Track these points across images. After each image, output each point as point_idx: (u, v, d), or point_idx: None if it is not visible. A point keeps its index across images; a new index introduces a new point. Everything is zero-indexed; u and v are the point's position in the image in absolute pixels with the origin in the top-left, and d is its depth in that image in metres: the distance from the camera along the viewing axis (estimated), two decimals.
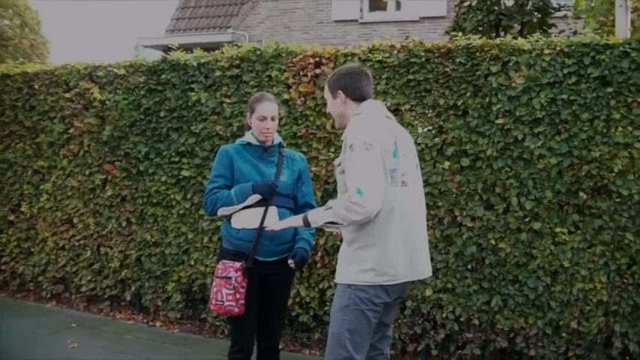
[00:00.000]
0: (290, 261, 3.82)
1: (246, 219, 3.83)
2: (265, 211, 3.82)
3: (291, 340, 5.60)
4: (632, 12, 6.58)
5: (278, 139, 4.06)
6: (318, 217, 3.25)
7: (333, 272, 5.28)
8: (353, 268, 3.19)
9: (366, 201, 3.00)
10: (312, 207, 3.95)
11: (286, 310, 4.29)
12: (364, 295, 3.15)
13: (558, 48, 4.62)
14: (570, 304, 4.61)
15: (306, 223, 3.31)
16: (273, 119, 3.93)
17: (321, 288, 5.37)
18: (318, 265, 5.34)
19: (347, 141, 3.16)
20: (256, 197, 3.79)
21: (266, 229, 3.71)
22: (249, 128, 4.01)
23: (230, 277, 3.78)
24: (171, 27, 17.23)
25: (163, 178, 6.10)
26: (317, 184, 5.31)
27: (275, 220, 3.76)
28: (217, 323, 5.84)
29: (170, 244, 6.10)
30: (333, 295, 5.20)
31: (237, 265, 3.80)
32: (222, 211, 3.86)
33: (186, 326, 6.12)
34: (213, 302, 3.84)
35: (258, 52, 5.67)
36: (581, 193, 4.58)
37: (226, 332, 5.79)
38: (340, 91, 3.34)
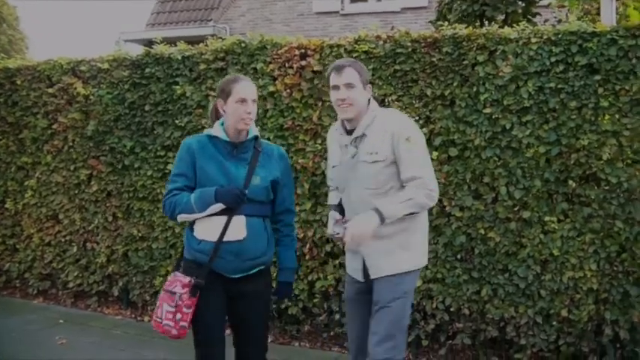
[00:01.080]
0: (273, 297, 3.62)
1: (207, 228, 3.27)
2: (228, 222, 3.24)
3: (281, 332, 5.58)
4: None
5: (254, 131, 3.43)
6: (395, 210, 3.18)
7: (322, 264, 5.35)
8: (408, 255, 3.36)
9: (436, 188, 3.28)
10: (291, 214, 3.60)
11: (265, 334, 3.59)
12: (416, 278, 3.52)
13: (545, 36, 4.61)
14: (560, 293, 4.62)
15: (382, 220, 3.15)
16: (254, 102, 3.35)
17: (310, 280, 5.35)
18: (307, 257, 5.32)
19: (400, 133, 3.26)
20: (219, 207, 3.21)
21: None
22: (217, 118, 3.45)
23: (174, 293, 3.24)
24: (151, 21, 17.12)
25: (149, 172, 6.05)
26: (304, 176, 5.29)
27: (240, 232, 3.26)
28: None
29: (157, 239, 6.05)
30: (322, 287, 5.27)
31: (186, 280, 3.25)
32: (181, 218, 3.31)
33: None
34: (154, 317, 3.35)
35: (243, 45, 5.62)
36: (570, 182, 4.58)
37: None
38: (369, 85, 3.44)
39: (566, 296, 4.61)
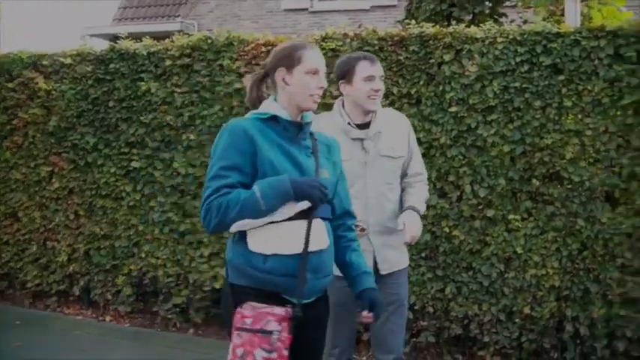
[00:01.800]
0: (367, 314, 2.67)
1: (277, 238, 2.44)
2: (309, 227, 2.47)
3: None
4: (581, 1, 6.66)
5: (311, 115, 2.69)
6: (423, 207, 3.43)
7: None
8: (406, 250, 3.48)
9: None
10: (352, 217, 2.87)
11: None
12: None
13: (511, 36, 4.63)
14: (523, 290, 4.65)
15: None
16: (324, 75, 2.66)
17: None
18: None
19: (411, 129, 3.48)
20: (302, 205, 2.44)
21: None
22: (258, 100, 2.65)
23: (270, 332, 2.36)
24: (118, 16, 16.91)
25: (112, 170, 5.95)
26: None
27: (322, 240, 2.53)
28: (169, 316, 5.74)
29: (120, 237, 5.96)
30: None
31: (281, 312, 2.39)
32: (238, 225, 2.42)
33: (137, 320, 5.99)
34: None
35: (209, 41, 5.56)
36: (534, 180, 4.62)
37: (178, 325, 5.70)
38: None
39: (529, 294, 4.64)
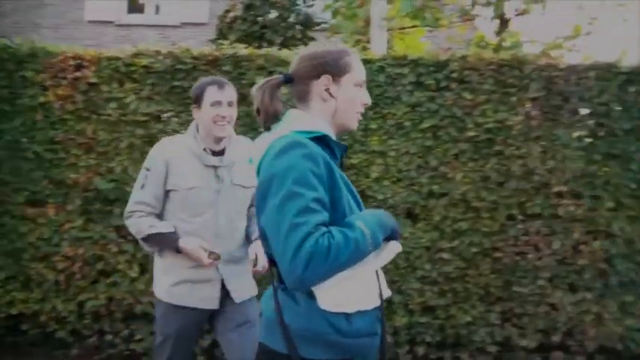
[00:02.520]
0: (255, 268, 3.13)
1: (359, 289, 1.95)
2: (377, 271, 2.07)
3: (46, 359, 5.23)
4: (387, 31, 7.10)
5: None
6: None
7: (93, 283, 5.09)
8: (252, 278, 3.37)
9: None
10: None
11: None
12: None
13: None
14: None
15: None
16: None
17: (81, 300, 5.07)
18: (77, 276, 5.04)
19: None
20: (398, 246, 2.02)
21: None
22: (276, 114, 2.09)
23: None
24: None
25: None
26: (76, 192, 5.02)
27: (384, 284, 2.11)
28: None
29: None
30: (93, 307, 5.02)
31: None
32: (334, 281, 1.86)
33: None
34: None
35: (10, 50, 5.22)
36: None
37: None
38: None
39: None
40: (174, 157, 3.20)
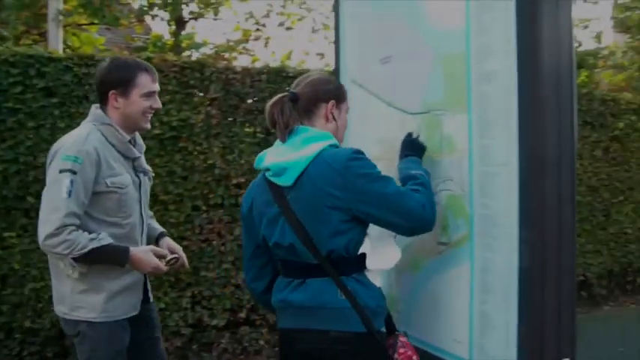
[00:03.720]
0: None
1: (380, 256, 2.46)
2: None
3: None
4: (63, 27, 7.03)
5: None
6: None
7: None
8: None
9: None
10: None
11: None
12: None
13: (3, 57, 4.74)
14: (23, 305, 4.78)
15: None
16: None
17: None
18: None
19: None
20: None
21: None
22: (287, 126, 2.40)
23: None
24: None
25: None
26: None
27: None
28: None
29: None
30: None
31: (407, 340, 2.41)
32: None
33: None
34: None
35: None
36: (29, 197, 4.79)
37: None
38: None
39: (29, 307, 4.79)
40: (104, 153, 2.72)
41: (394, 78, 2.82)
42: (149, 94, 2.81)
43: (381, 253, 2.37)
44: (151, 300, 3.01)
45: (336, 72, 3.38)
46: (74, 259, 2.62)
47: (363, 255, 2.29)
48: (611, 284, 7.64)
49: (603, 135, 7.42)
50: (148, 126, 2.89)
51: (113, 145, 2.76)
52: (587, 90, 7.88)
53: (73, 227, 2.59)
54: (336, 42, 3.38)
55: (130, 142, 2.82)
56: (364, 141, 3.05)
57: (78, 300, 2.74)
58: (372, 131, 3.03)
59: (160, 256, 2.79)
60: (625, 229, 7.64)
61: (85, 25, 8.44)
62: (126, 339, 2.80)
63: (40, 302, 4.80)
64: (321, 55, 10.14)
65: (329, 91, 2.43)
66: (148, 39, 8.89)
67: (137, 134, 2.93)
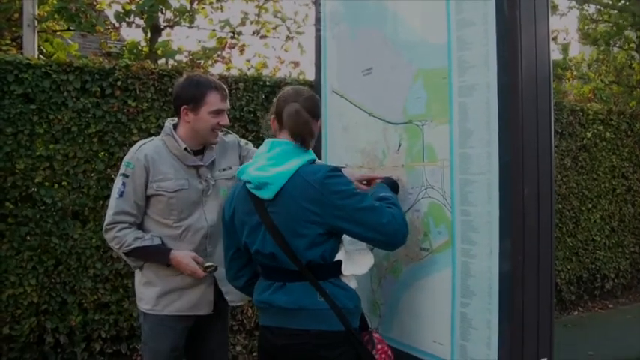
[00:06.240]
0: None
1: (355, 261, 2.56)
2: None
3: None
4: (38, 32, 7.01)
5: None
6: None
7: None
8: None
9: None
10: None
11: None
12: None
13: None
14: (2, 311, 4.77)
15: None
16: None
17: None
18: None
19: (240, 141, 3.33)
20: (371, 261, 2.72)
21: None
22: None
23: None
24: None
25: None
26: None
27: None
28: None
29: None
30: None
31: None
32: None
33: None
34: None
35: None
36: (8, 203, 4.79)
37: None
38: None
39: (7, 313, 4.78)
40: (154, 160, 2.98)
41: (375, 89, 2.91)
42: (217, 112, 2.99)
43: (356, 259, 2.48)
44: (231, 303, 3.13)
45: (316, 82, 3.46)
46: (125, 254, 2.96)
47: (339, 261, 2.41)
48: (580, 290, 7.81)
49: (572, 144, 7.60)
50: (217, 140, 3.07)
51: (174, 154, 3.01)
52: (556, 100, 8.05)
53: (125, 225, 2.94)
54: (317, 51, 3.46)
55: (187, 150, 3.01)
56: (346, 150, 3.14)
57: (139, 291, 3.09)
58: (353, 141, 3.11)
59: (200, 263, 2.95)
60: (593, 236, 7.83)
61: (60, 31, 8.41)
62: (173, 341, 3.02)
63: (18, 308, 4.79)
64: (295, 63, 10.21)
65: (317, 108, 2.65)
66: (123, 46, 8.88)
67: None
